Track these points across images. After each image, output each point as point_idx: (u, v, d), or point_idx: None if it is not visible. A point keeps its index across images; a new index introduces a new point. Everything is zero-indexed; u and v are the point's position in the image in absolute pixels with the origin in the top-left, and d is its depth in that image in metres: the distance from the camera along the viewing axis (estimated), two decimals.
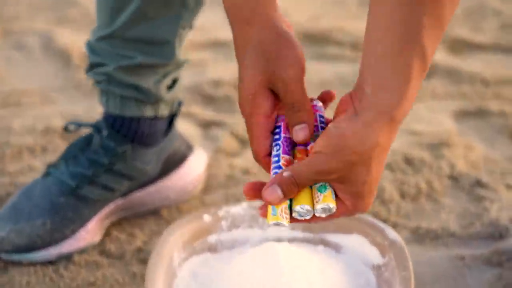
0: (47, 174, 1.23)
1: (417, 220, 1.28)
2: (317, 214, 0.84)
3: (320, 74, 1.70)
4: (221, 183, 1.36)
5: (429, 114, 1.59)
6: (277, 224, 0.84)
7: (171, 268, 1.03)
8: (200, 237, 1.09)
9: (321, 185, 0.84)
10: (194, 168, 1.31)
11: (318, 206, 0.83)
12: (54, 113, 1.55)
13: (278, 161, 0.86)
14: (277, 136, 0.88)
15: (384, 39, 0.81)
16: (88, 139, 1.23)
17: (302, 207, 0.83)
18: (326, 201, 0.83)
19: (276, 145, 0.87)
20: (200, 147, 1.41)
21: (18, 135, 1.47)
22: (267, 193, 0.83)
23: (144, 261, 1.18)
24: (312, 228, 1.10)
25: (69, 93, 1.64)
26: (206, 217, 1.10)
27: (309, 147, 0.87)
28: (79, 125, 1.25)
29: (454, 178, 1.37)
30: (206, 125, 1.54)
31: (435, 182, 1.35)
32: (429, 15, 0.80)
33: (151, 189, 1.27)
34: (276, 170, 0.86)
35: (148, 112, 1.23)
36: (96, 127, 1.23)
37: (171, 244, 1.04)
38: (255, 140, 0.88)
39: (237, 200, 1.31)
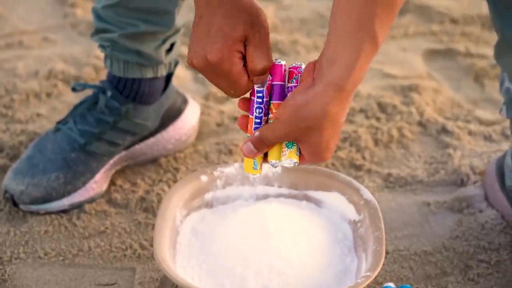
0: (57, 129, 1.37)
1: (388, 167, 1.43)
2: (284, 165, 1.01)
3: (299, 12, 1.81)
4: (212, 131, 1.50)
5: (401, 54, 1.71)
6: (254, 175, 1.09)
7: (174, 227, 1.18)
8: (198, 196, 1.23)
9: (289, 142, 1.02)
10: (189, 120, 1.45)
11: (283, 160, 1.01)
12: (54, 56, 1.66)
13: (260, 123, 1.02)
14: (260, 100, 1.02)
15: (342, 20, 0.95)
16: (94, 99, 1.36)
17: (271, 162, 1.03)
18: (290, 157, 1.01)
19: (258, 108, 1.02)
20: (191, 95, 1.54)
21: (23, 79, 1.59)
22: (244, 148, 1.02)
23: (146, 210, 1.34)
24: (297, 185, 1.25)
25: (66, 33, 1.75)
26: (203, 178, 1.24)
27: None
28: (85, 86, 1.37)
29: (423, 125, 1.51)
30: None
31: (406, 129, 1.50)
32: (381, 5, 0.93)
33: (151, 141, 1.41)
34: (257, 126, 1.02)
35: (149, 74, 1.35)
36: (101, 88, 1.36)
37: (173, 204, 1.19)
38: (239, 81, 1.01)
39: (227, 147, 1.45)
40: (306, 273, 1.12)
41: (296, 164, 1.01)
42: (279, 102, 1.02)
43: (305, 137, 0.98)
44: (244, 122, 1.04)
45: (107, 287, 1.21)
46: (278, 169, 1.25)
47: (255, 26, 1.00)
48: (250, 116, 1.03)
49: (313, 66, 0.98)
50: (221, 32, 0.99)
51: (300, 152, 1.01)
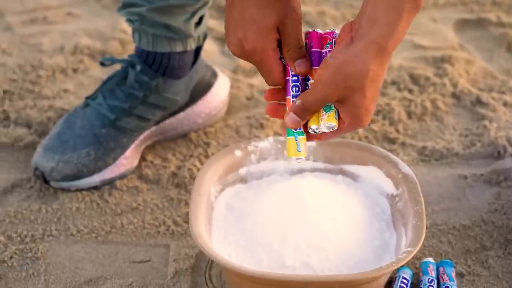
0: (86, 105, 1.35)
1: (423, 139, 1.41)
2: (322, 130, 0.99)
3: None
4: (242, 105, 1.48)
5: (431, 24, 1.69)
6: (299, 159, 1.00)
7: (209, 202, 1.16)
8: (233, 171, 1.21)
9: (327, 106, 1.00)
10: (219, 94, 1.43)
11: (322, 124, 0.98)
12: (79, 30, 1.64)
13: (298, 80, 1.01)
14: (295, 78, 1.01)
15: None
16: (123, 74, 1.34)
17: (311, 128, 1.01)
18: (329, 120, 0.99)
19: (295, 86, 1.01)
20: (219, 68, 1.52)
21: (49, 55, 1.58)
22: (287, 120, 1.00)
23: (178, 185, 1.32)
24: (332, 159, 1.23)
25: (90, 7, 1.73)
26: (237, 152, 1.22)
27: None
28: (113, 61, 1.35)
29: (457, 97, 1.49)
30: (223, 40, 1.64)
31: (439, 101, 1.47)
32: None
33: (181, 116, 1.39)
34: (296, 87, 1.01)
35: (178, 47, 1.33)
36: (130, 62, 1.34)
37: (207, 180, 1.17)
38: (272, 72, 1.01)
39: (258, 121, 1.43)
40: (344, 248, 1.11)
41: (335, 128, 0.99)
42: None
43: (347, 98, 0.96)
44: (274, 109, 1.02)
45: (142, 264, 1.20)
46: (313, 143, 1.23)
47: (288, 13, 0.98)
48: (288, 96, 1.01)
49: (350, 27, 0.97)
50: (254, 22, 0.98)
51: (338, 116, 1.00)
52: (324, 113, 0.99)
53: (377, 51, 0.94)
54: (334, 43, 1.00)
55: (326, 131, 1.00)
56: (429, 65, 1.56)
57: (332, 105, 0.99)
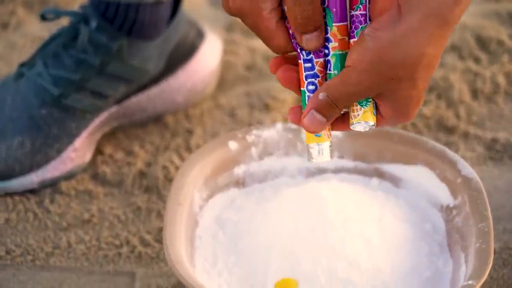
0: (19, 75, 1.37)
1: (493, 129, 1.43)
2: (355, 129, 1.01)
3: None
4: (239, 77, 1.50)
5: None
6: (320, 144, 1.01)
7: (192, 214, 1.19)
8: (225, 170, 1.24)
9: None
10: (206, 62, 1.45)
11: (355, 123, 1.00)
12: None
13: (313, 67, 1.01)
14: (309, 60, 1.02)
15: None
16: (72, 32, 1.37)
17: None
18: (365, 118, 1.00)
19: (309, 75, 1.02)
20: (208, 25, 1.54)
21: None
22: (307, 122, 1.00)
23: (148, 190, 1.34)
24: (365, 156, 1.26)
25: None
26: (232, 144, 1.25)
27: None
28: (59, 13, 1.38)
29: None
30: None
31: None
32: None
33: (153, 92, 1.41)
34: (312, 80, 1.01)
35: None
36: (82, 16, 1.37)
37: (190, 183, 1.20)
38: (272, 39, 1.02)
39: (261, 100, 1.46)
40: (381, 281, 1.13)
41: (373, 128, 1.01)
42: (344, 24, 1.01)
43: (392, 91, 0.98)
44: (287, 74, 1.02)
45: None
46: (339, 133, 1.26)
47: None
48: (299, 61, 1.02)
49: None
50: None
51: (377, 110, 1.02)
52: (358, 107, 1.01)
53: (437, 26, 0.95)
54: (369, 3, 1.01)
55: (362, 130, 1.02)
56: (504, 23, 1.58)
57: (370, 97, 1.01)
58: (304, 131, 1.03)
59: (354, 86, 0.98)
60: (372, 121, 1.00)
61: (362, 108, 1.00)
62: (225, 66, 1.51)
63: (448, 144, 1.40)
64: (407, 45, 0.95)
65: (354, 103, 1.01)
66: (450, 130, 1.43)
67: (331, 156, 1.01)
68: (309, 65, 1.01)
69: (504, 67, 1.51)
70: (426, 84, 0.99)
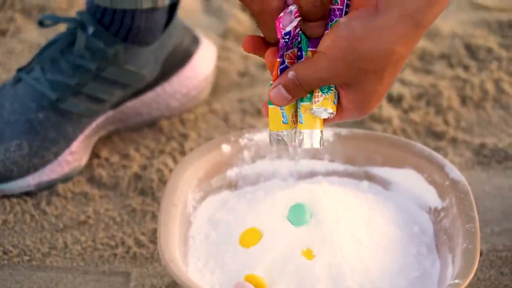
0: (17, 80, 1.39)
1: (481, 134, 1.44)
2: (313, 114, 1.03)
3: None
4: (233, 83, 1.51)
5: None
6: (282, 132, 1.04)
7: (186, 215, 1.20)
8: (218, 173, 1.25)
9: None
10: (201, 68, 1.47)
11: (314, 108, 1.02)
12: None
13: (284, 62, 1.03)
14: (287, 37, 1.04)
15: None
16: (69, 38, 1.38)
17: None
18: (325, 105, 1.03)
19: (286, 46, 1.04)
20: (203, 32, 1.55)
21: None
22: (273, 94, 1.03)
23: (143, 192, 1.36)
24: (355, 159, 1.27)
25: None
26: (225, 147, 1.26)
27: None
28: (57, 19, 1.40)
29: None
30: None
31: (505, 81, 1.51)
32: None
33: (149, 96, 1.43)
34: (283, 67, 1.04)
35: (145, 2, 1.37)
36: (79, 22, 1.38)
37: (184, 185, 1.21)
38: (269, 30, 1.04)
39: (254, 106, 1.47)
40: (371, 282, 1.14)
41: (332, 116, 1.03)
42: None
43: (358, 82, 1.00)
44: (252, 42, 1.04)
45: None
46: (330, 137, 1.27)
47: None
48: (278, 59, 1.04)
49: None
50: None
51: (338, 102, 1.03)
52: (320, 93, 1.03)
53: (410, 27, 0.97)
54: (345, 3, 1.02)
55: (321, 117, 1.04)
56: (493, 32, 1.60)
57: (333, 86, 1.03)
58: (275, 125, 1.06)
59: (322, 71, 1.00)
60: (331, 108, 1.02)
61: (323, 94, 1.02)
62: (219, 72, 1.52)
63: (437, 149, 1.41)
64: (379, 40, 0.98)
65: (317, 89, 1.03)
66: (439, 136, 1.44)
67: (321, 145, 1.04)
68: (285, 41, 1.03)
69: (492, 74, 1.52)
70: (391, 81, 1.01)
